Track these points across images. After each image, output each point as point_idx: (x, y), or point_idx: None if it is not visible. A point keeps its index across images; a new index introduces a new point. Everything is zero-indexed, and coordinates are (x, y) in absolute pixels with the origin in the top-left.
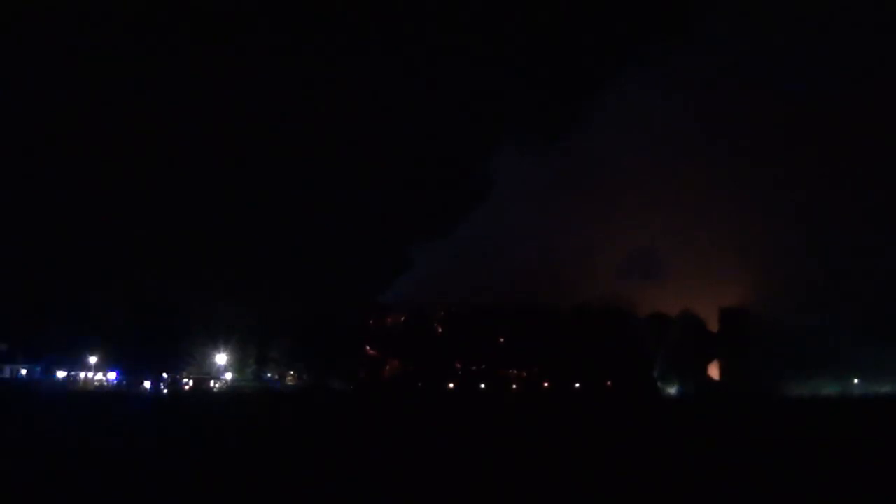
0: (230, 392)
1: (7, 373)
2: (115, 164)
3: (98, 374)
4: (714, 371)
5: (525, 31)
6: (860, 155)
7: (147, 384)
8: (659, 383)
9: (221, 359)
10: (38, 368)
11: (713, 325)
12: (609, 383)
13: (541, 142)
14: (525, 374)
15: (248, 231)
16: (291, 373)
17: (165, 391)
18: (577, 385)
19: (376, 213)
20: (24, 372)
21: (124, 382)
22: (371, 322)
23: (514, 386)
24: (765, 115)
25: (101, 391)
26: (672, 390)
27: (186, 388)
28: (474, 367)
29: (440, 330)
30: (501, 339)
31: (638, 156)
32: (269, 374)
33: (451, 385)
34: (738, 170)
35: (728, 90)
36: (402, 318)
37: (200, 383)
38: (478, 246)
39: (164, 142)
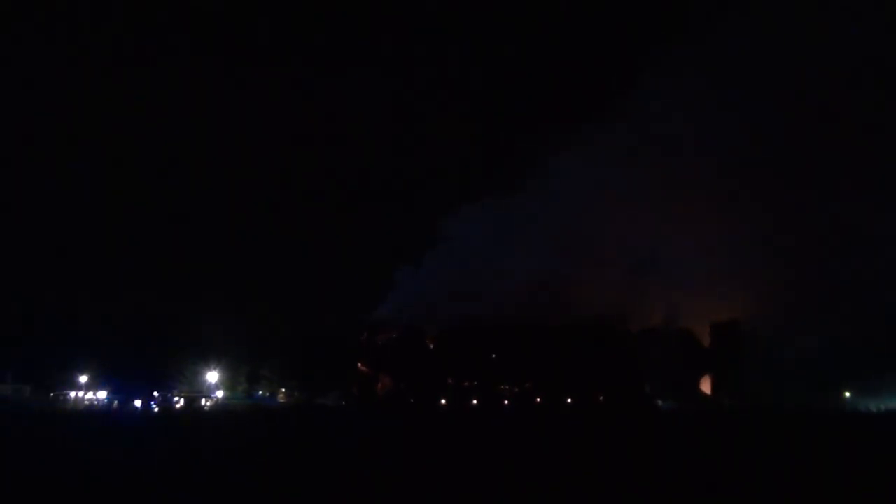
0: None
1: None
2: (106, 185)
3: (89, 393)
4: (706, 385)
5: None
6: (859, 177)
7: (138, 403)
8: (652, 398)
9: (213, 377)
10: (28, 387)
11: (705, 340)
12: (601, 398)
13: (535, 158)
14: (517, 390)
15: (239, 250)
16: (283, 390)
17: (156, 409)
18: (570, 400)
19: (367, 231)
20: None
21: (115, 401)
22: (363, 339)
23: (507, 401)
24: (760, 135)
25: (91, 411)
26: (664, 404)
27: (177, 406)
28: (466, 383)
29: (432, 346)
30: (493, 355)
31: (632, 175)
32: (259, 392)
33: (444, 401)
34: (732, 186)
35: (728, 111)
36: (395, 335)
37: (191, 401)
38: (469, 262)
39: (157, 164)
